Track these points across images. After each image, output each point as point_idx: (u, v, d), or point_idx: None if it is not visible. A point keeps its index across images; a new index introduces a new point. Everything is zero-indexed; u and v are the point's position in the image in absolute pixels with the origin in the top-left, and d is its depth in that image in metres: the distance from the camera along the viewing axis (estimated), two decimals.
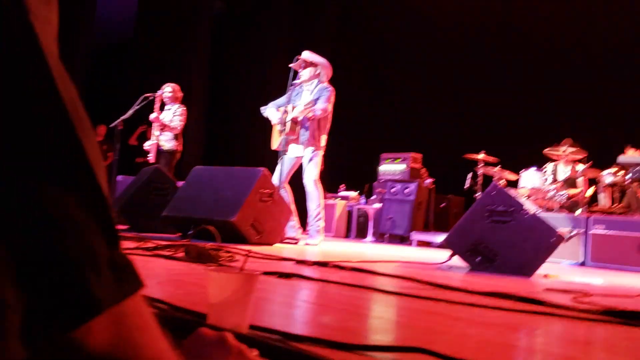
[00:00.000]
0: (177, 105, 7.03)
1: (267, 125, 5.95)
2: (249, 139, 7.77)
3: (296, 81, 5.60)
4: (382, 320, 1.45)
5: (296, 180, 5.72)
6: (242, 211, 4.19)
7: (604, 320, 1.67)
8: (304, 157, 5.54)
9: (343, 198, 9.44)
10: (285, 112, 5.50)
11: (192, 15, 11.00)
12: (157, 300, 1.27)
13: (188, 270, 2.19)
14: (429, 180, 8.77)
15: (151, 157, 6.85)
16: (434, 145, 9.76)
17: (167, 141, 6.90)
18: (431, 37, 10.57)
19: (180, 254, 2.72)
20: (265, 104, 5.93)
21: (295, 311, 1.44)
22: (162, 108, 7.10)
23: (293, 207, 5.58)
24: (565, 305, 1.91)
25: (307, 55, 5.61)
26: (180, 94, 7.15)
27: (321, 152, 5.56)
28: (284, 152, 5.51)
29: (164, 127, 6.85)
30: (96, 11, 8.61)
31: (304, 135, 5.49)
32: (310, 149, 5.49)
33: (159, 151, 6.89)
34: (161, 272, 2.06)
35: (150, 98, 7.06)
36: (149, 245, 3.08)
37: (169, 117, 6.96)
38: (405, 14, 10.86)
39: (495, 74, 9.80)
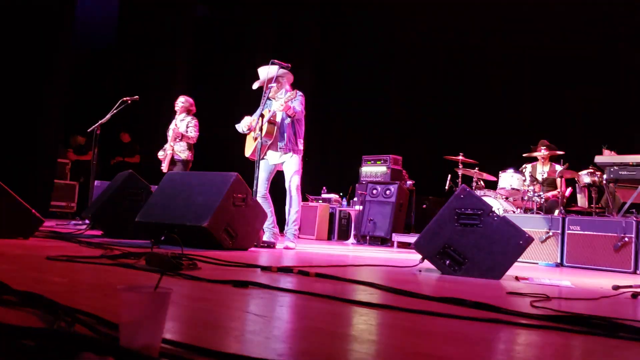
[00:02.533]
0: (190, 117, 7.14)
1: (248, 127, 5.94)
2: (230, 146, 7.75)
3: (272, 84, 5.60)
4: (318, 332, 1.44)
5: (273, 185, 5.73)
6: (215, 216, 4.17)
7: (548, 327, 1.67)
8: (285, 163, 5.57)
9: (325, 200, 9.44)
10: (262, 115, 5.48)
11: (175, 20, 10.95)
12: (87, 314, 1.25)
13: (144, 280, 2.17)
14: (409, 182, 8.79)
15: (164, 167, 6.95)
16: (414, 147, 9.80)
17: (181, 151, 7.03)
18: (410, 40, 10.61)
19: (143, 263, 2.69)
20: (247, 112, 5.93)
21: (231, 324, 1.43)
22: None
23: (272, 213, 5.59)
24: (517, 311, 1.91)
25: (272, 70, 5.61)
26: (193, 108, 7.25)
27: (300, 156, 5.62)
28: (262, 158, 5.50)
29: (181, 137, 6.98)
30: (75, 16, 8.52)
31: (282, 141, 5.52)
32: (289, 154, 5.53)
33: (174, 160, 7.02)
34: (115, 282, 2.04)
35: (129, 102, 7.03)
36: (115, 253, 3.05)
37: (182, 127, 7.07)
38: (385, 19, 10.88)
39: (473, 78, 9.86)
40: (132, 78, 10.95)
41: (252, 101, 6.08)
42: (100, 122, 6.90)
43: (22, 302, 1.40)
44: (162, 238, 3.89)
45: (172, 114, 10.50)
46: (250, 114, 5.78)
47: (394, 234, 7.85)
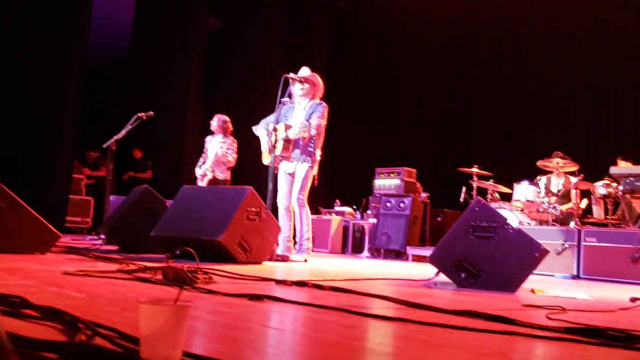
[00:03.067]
0: (229, 140, 7.42)
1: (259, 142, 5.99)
2: (245, 157, 7.82)
3: (285, 99, 5.65)
4: (334, 345, 1.45)
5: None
6: (229, 230, 4.20)
7: (565, 339, 1.67)
8: (297, 172, 5.60)
9: (338, 213, 9.45)
10: (275, 130, 5.52)
11: (188, 34, 11.07)
12: (106, 328, 1.27)
13: (161, 294, 2.19)
14: (424, 195, 8.77)
15: (204, 184, 7.26)
16: (428, 160, 9.81)
17: (222, 172, 7.37)
18: (424, 52, 10.64)
19: (159, 277, 2.72)
20: (257, 118, 6.00)
21: (249, 337, 1.44)
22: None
23: (291, 227, 5.63)
24: (533, 323, 1.91)
25: (306, 72, 5.70)
26: (228, 125, 7.51)
27: (315, 168, 5.62)
28: (276, 169, 5.55)
29: (218, 163, 7.31)
30: (90, 30, 8.64)
31: (297, 149, 5.55)
32: (301, 162, 5.56)
33: (215, 180, 7.33)
34: (132, 296, 2.06)
35: (144, 118, 7.12)
36: (131, 267, 3.08)
37: (216, 146, 7.35)
38: (398, 28, 10.93)
39: (487, 89, 9.86)
40: (144, 92, 11.08)
41: (263, 114, 6.13)
42: (115, 137, 6.98)
43: (43, 316, 1.43)
44: (178, 252, 3.92)
45: (185, 129, 10.58)
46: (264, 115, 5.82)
47: (408, 247, 7.83)
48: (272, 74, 10.28)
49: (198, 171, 7.42)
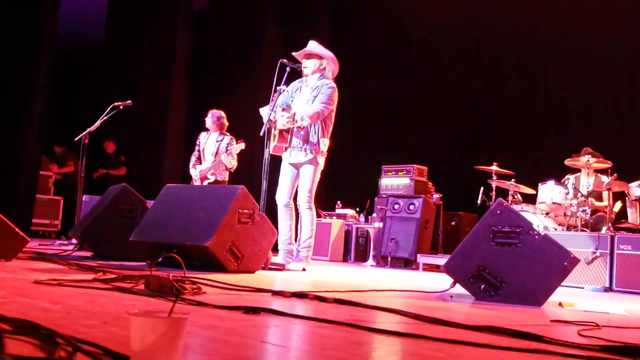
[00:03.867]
0: (228, 138, 7.50)
1: (255, 131, 6.00)
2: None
3: (282, 87, 5.64)
4: None
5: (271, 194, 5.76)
6: (218, 235, 4.21)
7: (601, 358, 1.68)
8: (302, 168, 5.60)
9: (340, 216, 9.47)
10: (271, 121, 5.52)
11: (172, 13, 11.06)
12: (90, 344, 1.29)
13: (144, 306, 2.21)
14: (436, 196, 8.80)
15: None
16: (441, 156, 9.80)
17: (221, 173, 7.46)
18: (437, 36, 10.63)
19: (141, 287, 2.73)
20: (253, 110, 6.00)
21: (246, 353, 1.46)
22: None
23: (292, 227, 5.63)
24: (564, 341, 1.92)
25: (313, 45, 5.70)
26: (223, 121, 7.59)
27: (321, 160, 5.61)
28: (269, 157, 5.48)
29: (218, 167, 7.39)
30: (60, 9, 8.63)
31: (298, 137, 5.54)
32: (305, 154, 5.53)
33: (216, 183, 7.36)
34: (113, 308, 2.08)
35: (121, 108, 7.12)
36: (108, 276, 3.10)
37: (212, 146, 7.43)
38: (409, 11, 10.93)
39: (508, 77, 9.84)
40: (121, 79, 11.07)
41: (256, 102, 6.15)
42: (89, 129, 6.99)
43: (16, 330, 1.44)
44: (160, 259, 3.93)
45: (168, 121, 10.59)
46: (264, 104, 5.83)
47: (419, 255, 7.85)
48: (268, 60, 10.33)
49: (194, 172, 7.45)
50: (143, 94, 10.40)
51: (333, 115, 5.67)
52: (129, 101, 7.22)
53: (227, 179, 7.51)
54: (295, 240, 5.66)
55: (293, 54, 5.72)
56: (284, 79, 5.60)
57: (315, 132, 5.52)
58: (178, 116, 11.01)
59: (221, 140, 7.45)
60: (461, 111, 10.18)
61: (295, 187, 5.69)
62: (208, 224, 4.29)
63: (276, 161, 5.75)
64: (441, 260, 7.50)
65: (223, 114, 7.60)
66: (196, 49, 11.58)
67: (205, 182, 7.32)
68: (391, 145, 10.57)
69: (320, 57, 5.67)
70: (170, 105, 10.90)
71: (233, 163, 7.35)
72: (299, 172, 5.62)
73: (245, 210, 4.48)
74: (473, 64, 10.28)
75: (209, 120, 7.53)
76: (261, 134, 5.45)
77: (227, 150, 7.33)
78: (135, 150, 10.46)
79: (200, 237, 4.21)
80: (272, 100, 5.56)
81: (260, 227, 4.61)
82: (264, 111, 5.71)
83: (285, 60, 5.58)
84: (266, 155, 5.39)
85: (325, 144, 5.61)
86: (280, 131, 5.55)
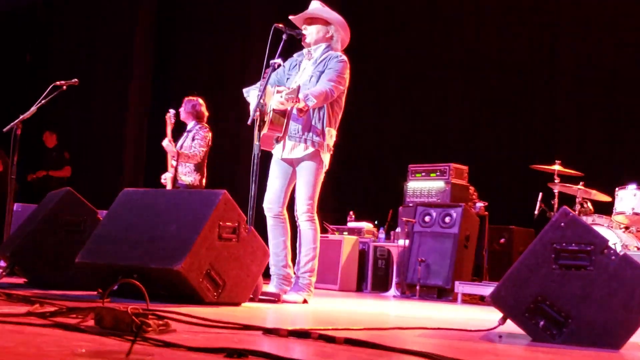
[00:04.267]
0: (199, 127, 7.67)
1: (241, 119, 5.99)
2: (217, 146, 7.85)
3: (277, 60, 5.62)
4: None
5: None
6: (192, 255, 4.20)
7: None
8: (301, 167, 5.59)
9: (353, 232, 9.45)
10: (261, 105, 5.46)
11: None
12: None
13: (96, 348, 2.19)
14: (480, 204, 8.76)
15: None
16: (485, 152, 9.78)
17: (186, 174, 7.53)
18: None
19: (91, 322, 2.73)
20: (239, 93, 5.99)
21: None
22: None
23: (286, 244, 5.62)
24: None
25: (316, 6, 5.71)
26: (201, 109, 7.78)
27: (326, 158, 5.61)
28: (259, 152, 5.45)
29: (178, 157, 7.44)
30: None
31: (296, 124, 5.51)
32: (304, 146, 5.51)
33: (178, 186, 7.46)
34: (53, 351, 2.07)
35: (64, 88, 7.11)
36: (48, 309, 3.09)
37: (188, 142, 7.58)
38: None
39: (576, 54, 9.70)
40: (64, 52, 11.10)
41: (240, 83, 6.15)
42: (22, 117, 6.98)
43: None
44: (116, 287, 3.92)
45: (127, 109, 10.66)
46: (250, 84, 5.82)
47: (457, 283, 7.81)
48: (258, 25, 10.35)
49: (163, 178, 7.53)
50: (94, 70, 10.40)
51: (343, 98, 5.66)
52: (75, 79, 7.20)
53: (196, 183, 7.57)
54: (293, 263, 5.65)
55: (291, 17, 5.71)
56: (279, 50, 5.59)
57: (319, 119, 5.49)
58: (140, 101, 11.03)
59: (190, 130, 7.59)
60: (511, 92, 10.12)
61: (289, 191, 5.68)
62: (179, 241, 4.29)
63: (269, 158, 5.74)
64: (486, 289, 7.48)
65: (201, 101, 7.73)
66: (163, 11, 11.61)
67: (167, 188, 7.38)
68: (419, 138, 10.55)
69: (326, 23, 5.67)
70: (130, 86, 10.92)
71: (196, 150, 7.42)
72: (296, 172, 5.60)
73: (228, 223, 4.47)
74: (529, 37, 10.18)
75: (182, 111, 7.64)
76: (249, 122, 5.43)
77: (194, 138, 7.48)
78: (83, 145, 10.48)
79: (168, 259, 4.20)
80: (264, 77, 5.54)
81: (248, 245, 4.61)
82: (252, 94, 5.70)
83: (280, 25, 5.56)
84: (255, 151, 5.35)
85: (332, 135, 5.59)
86: (273, 117, 5.50)
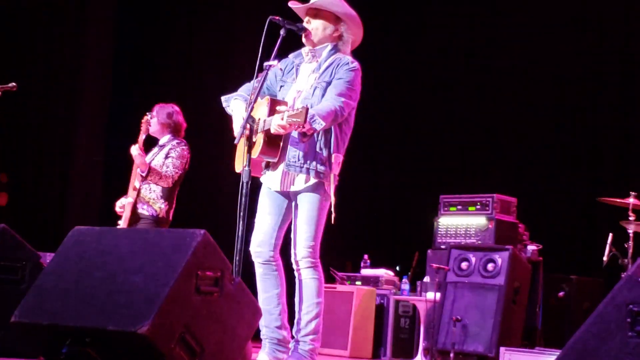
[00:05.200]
0: (176, 142, 7.68)
1: (223, 137, 5.98)
2: (194, 169, 7.87)
3: (272, 61, 5.63)
4: None
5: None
6: (162, 314, 4.18)
7: None
8: (301, 200, 5.61)
9: (367, 281, 9.43)
10: (252, 108, 5.43)
11: None
12: None
13: None
14: (532, 247, 8.74)
15: (122, 224, 7.37)
16: (538, 181, 9.76)
17: (151, 200, 7.50)
18: None
19: None
20: (213, 99, 6.02)
21: None
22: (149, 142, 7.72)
23: (281, 298, 5.62)
24: None
25: None
26: (180, 120, 7.80)
27: (331, 190, 5.62)
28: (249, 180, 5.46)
29: (148, 173, 7.35)
30: None
31: (296, 150, 5.53)
32: (306, 177, 5.54)
33: (136, 215, 7.44)
34: None
35: (4, 89, 7.13)
36: None
37: (159, 159, 7.58)
38: None
39: None
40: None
41: (224, 88, 6.17)
42: None
43: None
44: (64, 353, 3.93)
45: (77, 121, 10.68)
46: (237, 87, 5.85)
47: (502, 349, 7.78)
48: (248, 15, 10.39)
49: (119, 206, 7.52)
50: (37, 74, 10.45)
51: (353, 114, 5.67)
52: (12, 83, 7.20)
53: (163, 214, 7.53)
54: (291, 323, 5.65)
55: (291, 5, 5.71)
56: (275, 49, 5.60)
57: (325, 144, 5.51)
58: (95, 113, 11.07)
59: (163, 146, 7.64)
60: (571, 106, 10.15)
61: (284, 231, 5.68)
62: (145, 296, 4.27)
63: (257, 186, 5.74)
64: (542, 358, 7.45)
65: (177, 109, 7.76)
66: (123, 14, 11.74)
67: (123, 219, 7.41)
68: (454, 162, 10.56)
69: (335, 18, 5.71)
70: (82, 90, 10.97)
71: (170, 170, 7.43)
72: (292, 207, 5.63)
73: (209, 273, 4.46)
74: (598, 42, 10.25)
75: (154, 122, 7.59)
76: (236, 141, 5.45)
77: (167, 156, 7.50)
78: (24, 167, 10.49)
79: (131, 319, 4.18)
80: (259, 78, 5.56)
81: (234, 301, 4.60)
82: (234, 105, 5.73)
83: (278, 18, 5.59)
84: (244, 178, 5.36)
85: (339, 162, 5.63)
86: (267, 139, 5.47)
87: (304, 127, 5.16)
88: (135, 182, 7.35)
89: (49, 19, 11.10)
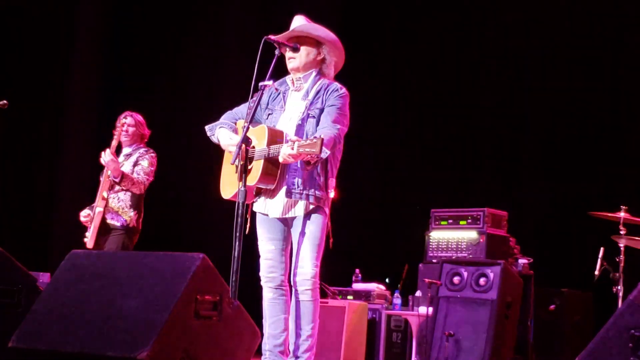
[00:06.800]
0: (143, 149, 7.74)
1: (214, 156, 5.99)
2: (179, 182, 7.84)
3: (267, 82, 5.63)
4: None
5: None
6: (161, 339, 4.18)
7: None
8: (296, 220, 5.66)
9: (359, 295, 9.42)
10: (246, 138, 5.44)
11: None
12: None
13: None
14: (523, 261, 8.75)
15: (89, 239, 7.35)
16: (528, 195, 9.76)
17: (123, 210, 7.49)
18: None
19: None
20: (212, 119, 6.01)
21: None
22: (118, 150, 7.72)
23: (286, 323, 5.63)
24: None
25: (301, 22, 5.78)
26: (145, 130, 7.87)
27: (327, 211, 5.71)
28: (246, 206, 5.48)
29: (121, 179, 7.37)
30: None
31: (296, 177, 5.57)
32: (308, 206, 5.59)
33: (106, 226, 7.42)
34: None
35: None
36: None
37: (127, 166, 7.59)
38: None
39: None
40: None
41: (214, 107, 6.16)
42: None
43: None
44: None
45: (63, 132, 10.63)
46: (227, 109, 5.86)
47: None
48: (238, 34, 10.39)
49: (84, 216, 7.52)
50: (24, 88, 10.43)
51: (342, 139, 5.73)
52: (4, 101, 7.17)
53: (133, 223, 7.55)
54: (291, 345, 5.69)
55: (272, 37, 5.67)
56: (270, 70, 5.60)
57: (321, 169, 5.60)
58: (86, 119, 11.07)
59: (130, 155, 7.67)
60: (561, 119, 10.18)
61: (288, 254, 5.71)
62: (143, 321, 4.27)
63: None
64: None
65: (139, 118, 7.82)
66: (116, 16, 11.71)
67: (90, 230, 7.39)
68: (444, 175, 10.56)
69: (317, 43, 5.76)
70: (67, 108, 10.95)
71: (141, 177, 7.48)
72: (295, 231, 5.67)
73: (208, 297, 4.46)
74: (596, 45, 10.27)
75: (131, 131, 7.71)
76: (232, 162, 5.46)
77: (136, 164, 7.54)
78: (10, 183, 10.46)
79: (129, 344, 4.18)
80: (253, 99, 5.56)
81: (234, 324, 4.60)
82: (221, 133, 5.78)
83: (272, 37, 5.60)
84: (241, 199, 5.36)
85: (333, 186, 5.74)
86: (265, 166, 5.49)
87: (312, 159, 5.20)
88: (103, 192, 7.36)
89: (38, 27, 11.09)
